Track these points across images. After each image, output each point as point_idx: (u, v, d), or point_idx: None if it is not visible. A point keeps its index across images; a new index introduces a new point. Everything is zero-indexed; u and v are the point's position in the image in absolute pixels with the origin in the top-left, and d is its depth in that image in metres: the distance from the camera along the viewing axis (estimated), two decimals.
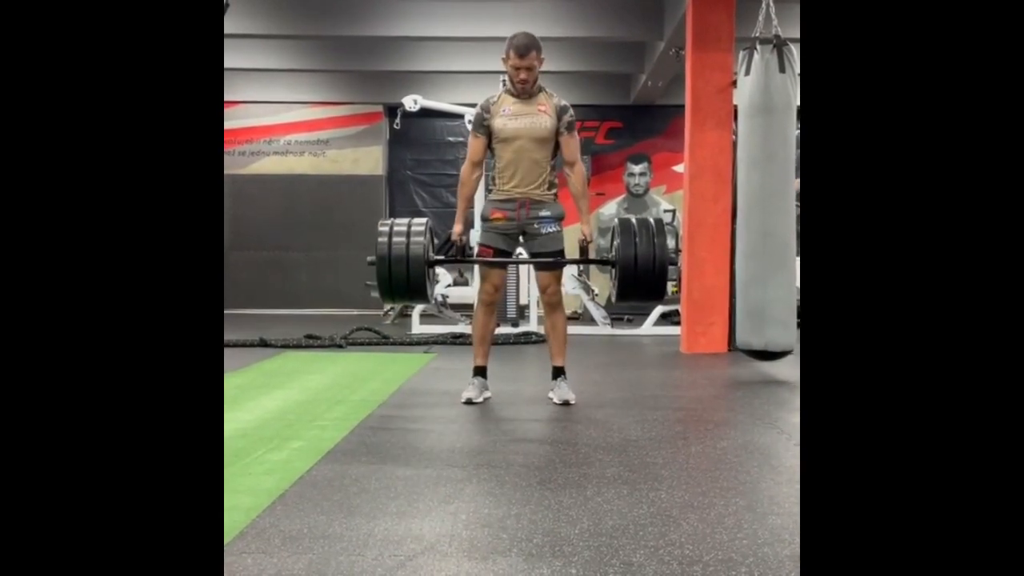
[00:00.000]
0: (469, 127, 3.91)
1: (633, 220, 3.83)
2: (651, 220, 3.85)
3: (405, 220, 3.82)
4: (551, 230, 3.82)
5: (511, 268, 4.02)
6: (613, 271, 3.88)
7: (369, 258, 3.79)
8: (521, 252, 4.16)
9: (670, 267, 3.90)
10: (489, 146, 3.84)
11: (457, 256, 3.94)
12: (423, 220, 3.84)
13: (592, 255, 4.02)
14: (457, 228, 3.91)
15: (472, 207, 4.47)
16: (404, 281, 3.70)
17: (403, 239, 3.69)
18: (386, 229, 3.75)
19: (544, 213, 3.81)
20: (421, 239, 3.70)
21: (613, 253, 3.85)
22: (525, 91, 3.75)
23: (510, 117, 3.76)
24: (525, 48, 3.69)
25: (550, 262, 3.84)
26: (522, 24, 7.69)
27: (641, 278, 3.74)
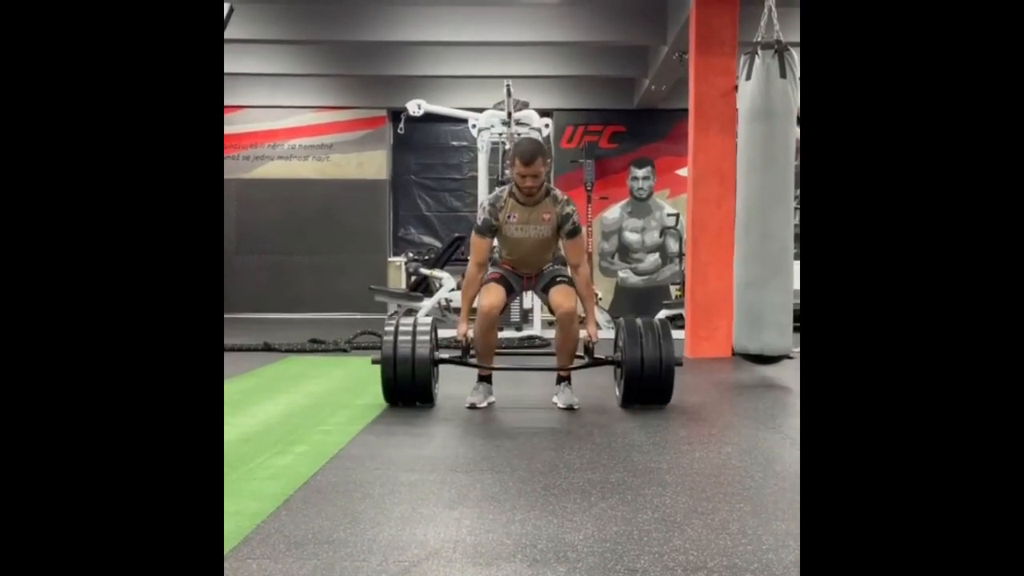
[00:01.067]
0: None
1: (639, 322, 3.86)
2: (657, 322, 3.87)
3: (410, 320, 3.87)
4: (556, 267, 3.93)
5: (516, 295, 4.06)
6: (619, 371, 3.89)
7: (373, 358, 3.82)
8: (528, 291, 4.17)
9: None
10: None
11: (463, 356, 3.91)
12: (428, 320, 3.91)
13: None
14: (462, 328, 3.90)
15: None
16: (410, 382, 3.75)
17: (409, 339, 3.73)
18: (391, 329, 3.78)
19: (547, 267, 3.94)
20: (427, 339, 3.73)
21: (618, 353, 3.86)
22: (531, 196, 3.76)
23: (516, 226, 3.81)
24: (530, 156, 3.70)
25: (551, 278, 3.85)
26: (527, 29, 7.74)
27: (648, 382, 3.76)
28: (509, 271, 3.94)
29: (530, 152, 3.71)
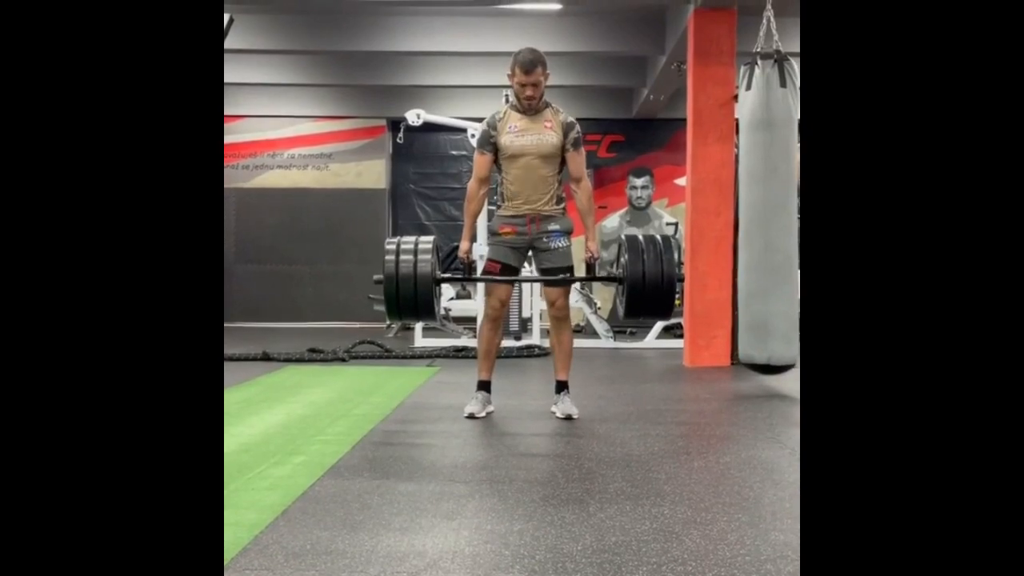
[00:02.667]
0: (473, 143, 3.93)
1: (640, 236, 3.85)
2: (658, 237, 3.87)
3: (412, 238, 3.84)
4: (560, 244, 3.84)
5: (520, 271, 4.04)
6: (620, 287, 3.89)
7: (376, 276, 3.80)
8: (529, 268, 4.17)
9: (679, 282, 3.92)
10: (496, 162, 3.85)
11: (464, 273, 3.94)
12: (430, 238, 3.85)
13: (598, 271, 4.02)
14: (464, 245, 3.91)
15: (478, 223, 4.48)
16: (412, 299, 3.72)
17: (410, 257, 3.71)
18: (393, 247, 3.76)
19: (553, 227, 3.83)
20: (428, 257, 3.71)
21: (620, 270, 3.86)
22: (531, 107, 3.76)
23: (517, 134, 3.77)
24: (531, 64, 3.70)
25: (557, 279, 3.84)
26: (525, 39, 7.74)
27: (649, 295, 3.75)
28: (509, 238, 3.84)
29: (530, 60, 3.71)
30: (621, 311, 3.95)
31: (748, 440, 3.46)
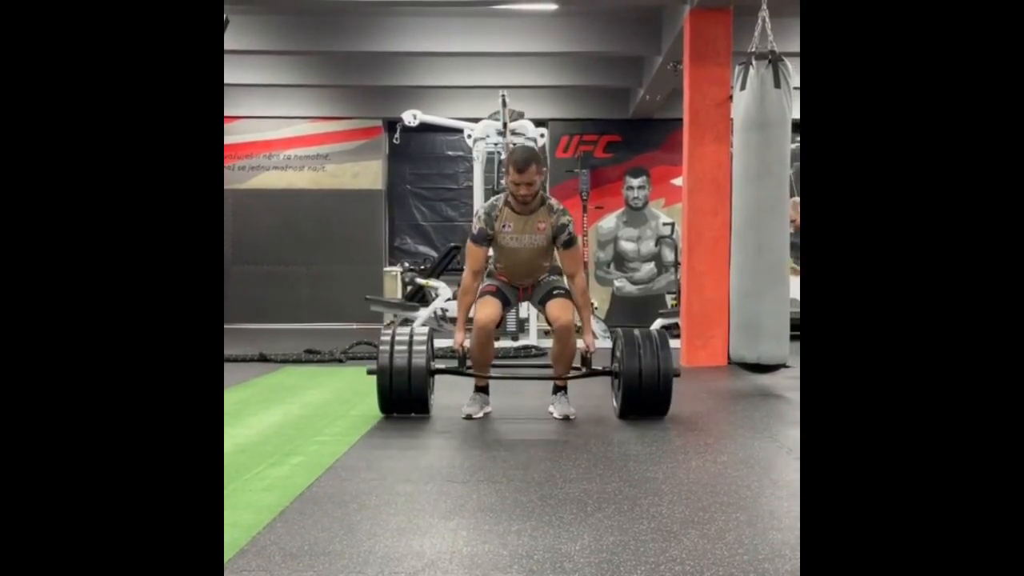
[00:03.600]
0: (470, 233, 3.89)
1: (636, 333, 3.85)
2: (655, 332, 3.87)
3: (406, 331, 3.85)
4: (553, 278, 3.91)
5: (512, 307, 4.08)
6: (616, 382, 3.88)
7: (369, 368, 3.81)
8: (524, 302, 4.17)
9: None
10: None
11: (460, 366, 3.91)
12: (424, 330, 3.90)
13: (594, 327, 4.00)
14: (459, 337, 3.90)
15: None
16: (405, 392, 3.74)
17: (405, 349, 3.72)
18: (387, 339, 3.77)
19: (543, 277, 3.92)
20: (423, 349, 3.72)
21: (615, 364, 3.85)
22: (526, 204, 3.75)
23: (511, 236, 3.79)
24: (524, 163, 3.69)
25: (549, 290, 3.85)
26: (521, 39, 7.76)
27: (646, 393, 3.74)
28: (504, 283, 3.92)
29: (524, 160, 3.70)
30: (616, 408, 3.90)
31: (745, 439, 3.47)
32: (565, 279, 3.89)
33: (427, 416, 3.86)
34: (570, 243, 3.80)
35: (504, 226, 3.78)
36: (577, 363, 3.88)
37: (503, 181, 3.76)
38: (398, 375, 3.71)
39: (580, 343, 3.85)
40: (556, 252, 3.86)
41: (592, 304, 3.97)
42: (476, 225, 3.85)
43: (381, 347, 3.76)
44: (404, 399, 3.76)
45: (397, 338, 3.77)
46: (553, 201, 3.85)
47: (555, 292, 3.85)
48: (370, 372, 3.79)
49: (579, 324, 3.86)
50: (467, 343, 3.85)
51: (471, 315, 3.85)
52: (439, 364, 4.04)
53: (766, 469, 2.93)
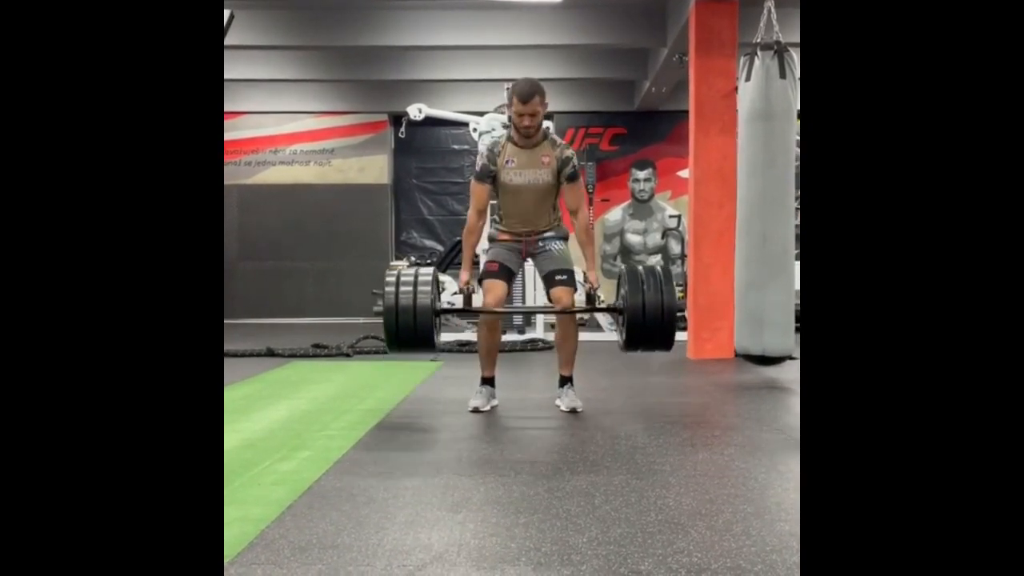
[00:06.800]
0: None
1: (640, 268, 3.84)
2: (658, 268, 3.85)
3: (412, 270, 3.84)
4: (557, 247, 3.87)
5: (517, 276, 4.05)
6: (620, 318, 3.88)
7: (375, 307, 3.80)
8: (528, 260, 4.18)
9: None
10: (493, 186, 3.85)
11: (464, 305, 3.92)
12: (429, 270, 3.86)
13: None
14: (464, 276, 3.91)
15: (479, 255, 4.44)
16: (411, 331, 3.72)
17: (410, 289, 3.71)
18: (392, 279, 3.77)
19: (549, 234, 3.88)
20: (428, 289, 3.73)
21: (620, 301, 3.85)
22: (529, 138, 3.75)
23: (515, 172, 3.77)
24: (528, 94, 3.68)
25: (556, 271, 3.83)
26: (527, 32, 7.75)
27: (650, 327, 3.74)
28: (507, 243, 3.88)
29: (528, 90, 3.69)
30: (621, 342, 3.93)
31: (752, 431, 3.46)
32: (568, 251, 3.86)
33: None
34: (574, 176, 3.81)
35: (508, 161, 3.77)
36: (582, 299, 3.87)
37: (506, 111, 3.74)
38: (404, 314, 3.69)
39: (579, 277, 3.84)
40: (561, 187, 3.81)
41: (599, 297, 3.96)
42: (479, 163, 3.86)
43: (387, 288, 3.74)
44: (410, 337, 3.75)
45: (402, 278, 3.76)
46: (556, 136, 3.85)
47: (559, 278, 3.83)
48: (376, 312, 3.78)
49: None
50: (474, 284, 3.89)
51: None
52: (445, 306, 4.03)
53: (773, 461, 2.93)
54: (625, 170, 10.31)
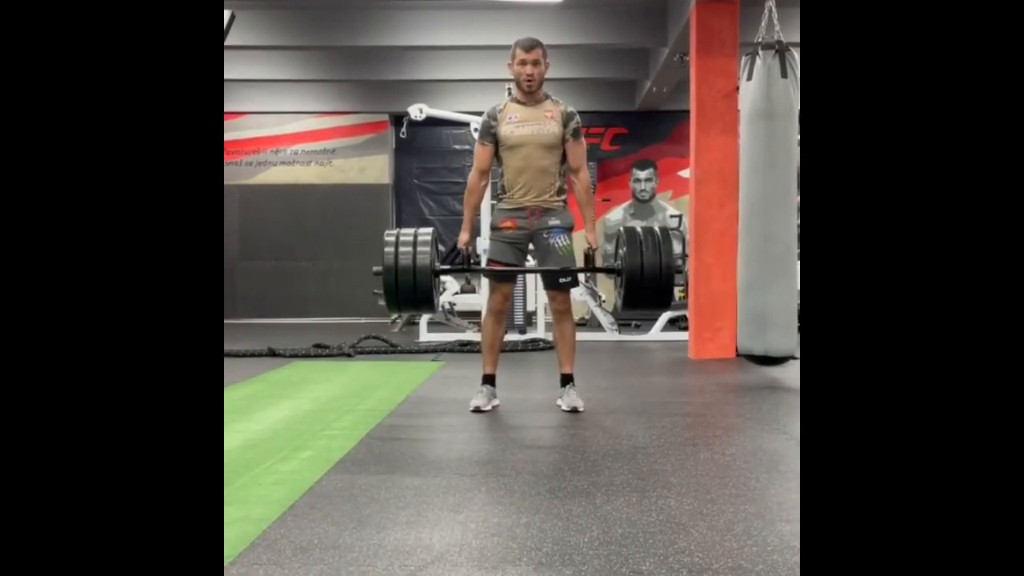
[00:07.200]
0: (475, 135, 3.94)
1: (639, 228, 3.85)
2: (656, 228, 3.86)
3: (411, 230, 3.84)
4: (561, 242, 3.85)
5: (519, 275, 4.08)
6: (619, 279, 3.89)
7: (375, 268, 3.81)
8: (530, 260, 4.18)
9: (677, 273, 3.91)
10: (496, 154, 3.85)
11: (464, 264, 3.95)
12: (428, 230, 3.85)
13: (599, 262, 4.02)
14: (463, 236, 3.94)
15: (479, 215, 4.49)
16: (411, 291, 3.72)
17: (409, 249, 3.71)
18: (392, 239, 3.77)
19: (554, 222, 3.84)
20: (427, 249, 3.72)
21: (619, 261, 3.86)
22: (531, 90, 3.77)
23: (517, 124, 3.78)
24: (531, 44, 3.76)
25: (558, 271, 3.84)
26: (527, 32, 7.72)
27: (647, 286, 3.75)
28: (509, 233, 3.86)
29: (530, 41, 3.77)
30: (619, 302, 3.96)
31: (754, 431, 3.46)
32: (572, 247, 3.86)
33: (435, 403, 3.86)
34: (578, 133, 3.84)
35: (509, 117, 3.80)
36: (580, 263, 3.91)
37: (509, 66, 3.77)
38: (403, 274, 3.70)
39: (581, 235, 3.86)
40: (565, 144, 3.80)
41: (600, 297, 3.97)
42: (481, 121, 3.90)
43: (386, 248, 3.74)
44: (410, 297, 3.75)
45: (402, 239, 3.76)
46: (557, 97, 3.89)
47: (562, 280, 3.84)
48: (376, 272, 3.78)
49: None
50: (472, 247, 3.96)
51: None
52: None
53: (775, 461, 2.93)
54: (626, 170, 10.31)
